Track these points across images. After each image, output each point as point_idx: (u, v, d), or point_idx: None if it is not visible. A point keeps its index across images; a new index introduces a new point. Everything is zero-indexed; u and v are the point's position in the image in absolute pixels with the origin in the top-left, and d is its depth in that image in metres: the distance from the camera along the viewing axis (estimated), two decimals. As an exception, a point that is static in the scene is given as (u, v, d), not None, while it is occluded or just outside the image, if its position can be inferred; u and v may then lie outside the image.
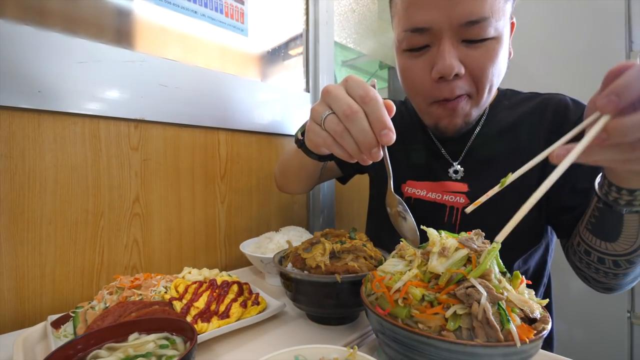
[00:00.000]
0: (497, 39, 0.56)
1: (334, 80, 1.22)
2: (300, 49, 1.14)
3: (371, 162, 0.41)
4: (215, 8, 0.88)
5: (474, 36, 0.55)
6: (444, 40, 0.55)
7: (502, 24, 0.56)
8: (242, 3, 0.94)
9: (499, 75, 0.60)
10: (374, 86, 0.42)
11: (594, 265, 0.55)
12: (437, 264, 0.39)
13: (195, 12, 0.85)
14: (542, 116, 0.66)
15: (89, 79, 0.66)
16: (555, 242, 0.74)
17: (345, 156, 0.43)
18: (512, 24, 0.62)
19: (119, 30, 0.73)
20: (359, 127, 0.39)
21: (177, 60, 0.81)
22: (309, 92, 1.16)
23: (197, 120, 0.84)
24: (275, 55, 1.06)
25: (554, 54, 1.38)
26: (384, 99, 0.41)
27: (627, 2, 1.23)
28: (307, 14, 1.15)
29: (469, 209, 0.38)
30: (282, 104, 1.05)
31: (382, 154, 0.40)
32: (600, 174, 0.47)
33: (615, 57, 1.24)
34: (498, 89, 0.73)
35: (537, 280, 0.70)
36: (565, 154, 0.31)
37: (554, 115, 0.65)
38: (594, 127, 0.30)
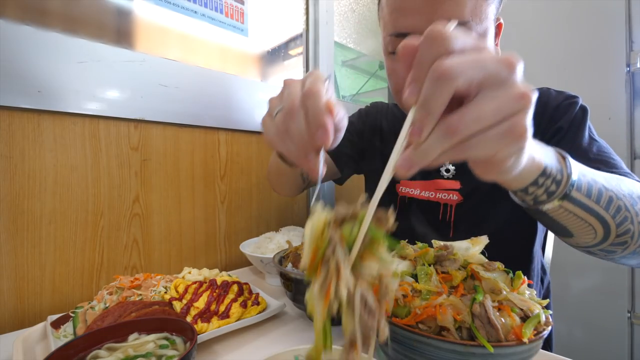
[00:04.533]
0: None
1: (334, 80, 1.22)
2: (300, 49, 1.14)
3: (315, 172, 0.35)
4: (215, 8, 0.88)
5: None
6: None
7: (483, 27, 0.57)
8: (242, 3, 0.94)
9: None
10: (327, 81, 0.36)
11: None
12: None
13: (195, 12, 0.85)
14: None
15: (89, 79, 0.66)
16: (554, 240, 0.73)
17: (291, 157, 0.37)
18: (500, 25, 0.63)
19: (119, 30, 0.73)
20: (297, 127, 0.34)
21: (177, 60, 0.81)
22: (309, 92, 1.16)
23: (197, 120, 0.84)
24: (275, 55, 1.06)
25: (554, 54, 1.38)
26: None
27: (627, 2, 1.23)
28: (307, 14, 1.15)
29: None
30: (282, 104, 1.05)
31: (318, 162, 0.34)
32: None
33: (615, 57, 1.24)
34: None
35: (524, 268, 0.68)
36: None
37: (536, 108, 0.65)
38: (406, 122, 0.27)
